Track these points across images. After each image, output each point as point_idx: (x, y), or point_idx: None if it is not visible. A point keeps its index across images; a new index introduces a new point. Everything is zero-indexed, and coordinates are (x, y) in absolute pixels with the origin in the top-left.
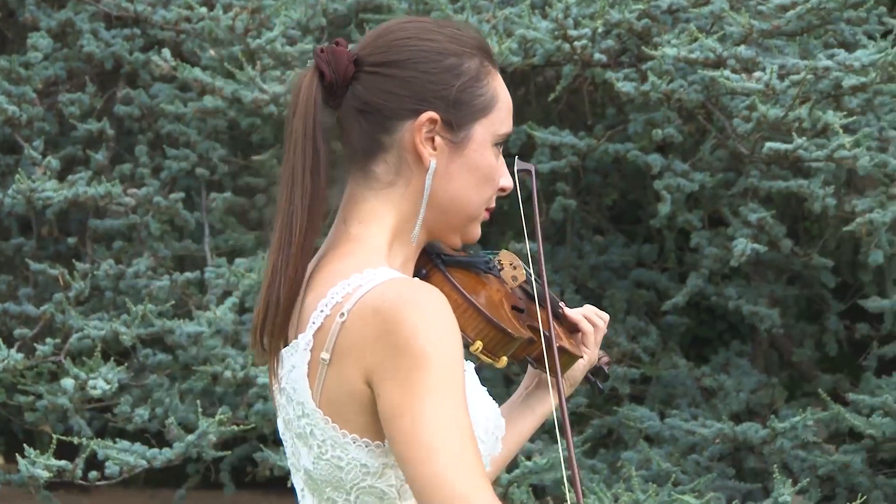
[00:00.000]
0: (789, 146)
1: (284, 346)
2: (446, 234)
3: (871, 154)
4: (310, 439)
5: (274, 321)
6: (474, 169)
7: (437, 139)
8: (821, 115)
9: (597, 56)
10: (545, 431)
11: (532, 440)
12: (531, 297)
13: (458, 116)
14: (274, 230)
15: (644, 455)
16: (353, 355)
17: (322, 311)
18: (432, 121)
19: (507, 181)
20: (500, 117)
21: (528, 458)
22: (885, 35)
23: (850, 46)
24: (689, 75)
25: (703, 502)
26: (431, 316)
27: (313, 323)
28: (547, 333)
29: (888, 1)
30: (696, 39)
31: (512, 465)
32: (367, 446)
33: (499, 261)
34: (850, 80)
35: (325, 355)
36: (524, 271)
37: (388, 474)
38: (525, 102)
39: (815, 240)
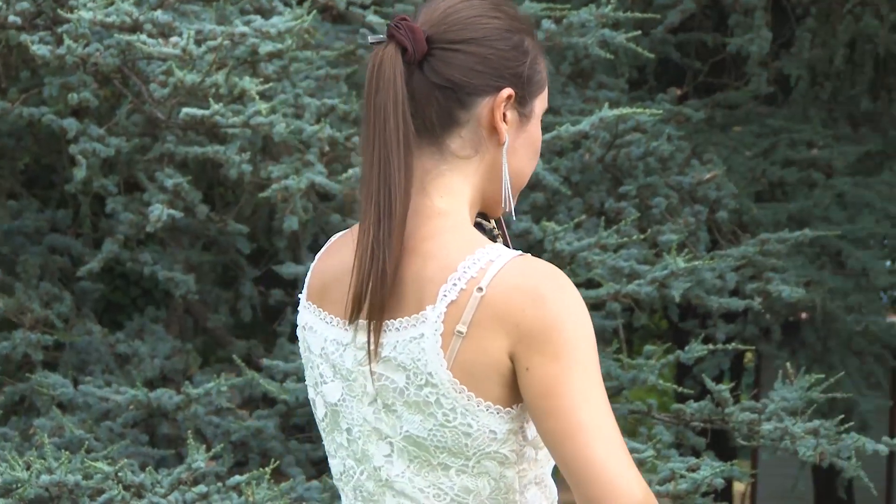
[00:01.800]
0: (206, 112)
1: (393, 317)
2: (496, 206)
3: (287, 121)
4: (432, 407)
5: (382, 292)
6: (533, 142)
7: (509, 114)
8: (237, 82)
9: (11, 18)
10: None
11: None
12: None
13: (527, 92)
14: (366, 203)
15: (57, 422)
16: (496, 329)
17: (455, 284)
18: (510, 97)
19: None
20: (547, 93)
21: None
22: (300, 2)
23: (266, 13)
24: (105, 39)
25: (115, 469)
26: (574, 297)
27: (445, 295)
28: None
29: None
30: (112, 3)
31: None
32: (497, 413)
33: None
34: (266, 47)
35: (462, 328)
36: None
37: (511, 440)
38: None
39: (230, 206)
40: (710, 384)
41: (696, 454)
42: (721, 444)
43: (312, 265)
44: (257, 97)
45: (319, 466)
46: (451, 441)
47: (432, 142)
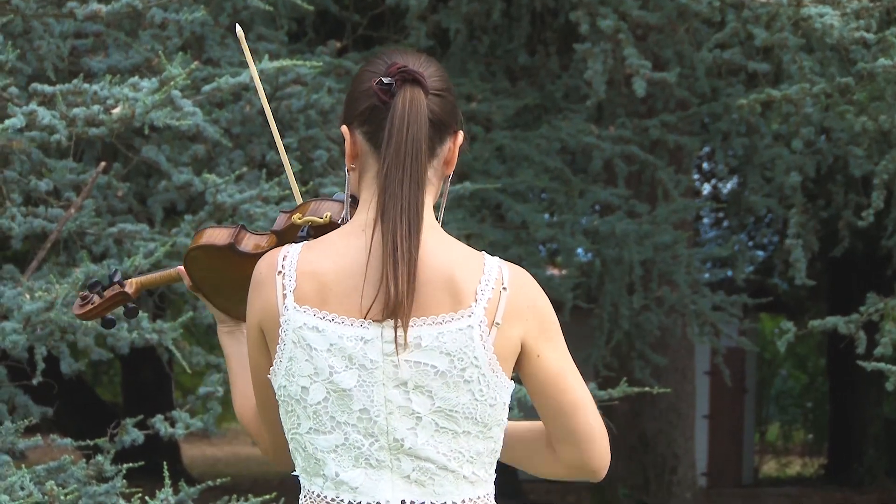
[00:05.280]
0: None
1: (433, 313)
2: None
3: None
4: (471, 385)
5: (412, 295)
6: None
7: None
8: None
9: None
10: None
11: None
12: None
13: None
14: (386, 218)
15: None
16: (515, 320)
17: (488, 285)
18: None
19: None
20: None
21: None
22: None
23: None
24: None
25: None
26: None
27: (482, 294)
28: None
29: None
30: None
31: None
32: (508, 388)
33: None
34: None
35: (500, 320)
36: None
37: (505, 409)
38: None
39: None
40: None
41: None
42: None
43: (290, 269)
44: None
45: None
46: (479, 412)
47: (429, 163)
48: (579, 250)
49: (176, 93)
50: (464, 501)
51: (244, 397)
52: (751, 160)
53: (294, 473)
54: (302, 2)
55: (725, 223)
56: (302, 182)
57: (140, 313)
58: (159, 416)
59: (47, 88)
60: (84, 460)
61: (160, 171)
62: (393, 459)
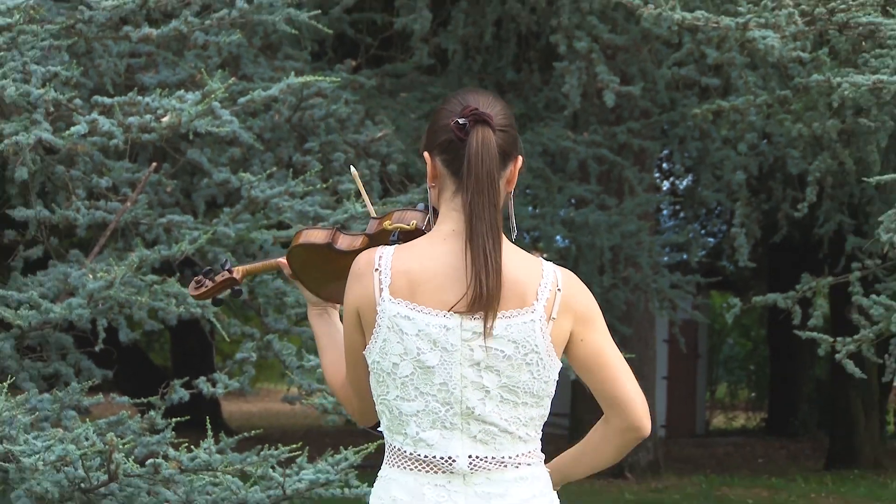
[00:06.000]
0: None
1: (503, 309)
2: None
3: (16, 85)
4: (532, 367)
5: (499, 292)
6: None
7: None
8: None
9: None
10: None
11: None
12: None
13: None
14: (475, 235)
15: None
16: (567, 314)
17: (546, 287)
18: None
19: None
20: None
21: None
22: None
23: None
24: None
25: None
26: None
27: (542, 294)
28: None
29: None
30: None
31: None
32: (558, 367)
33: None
34: None
35: (555, 315)
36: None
37: (555, 384)
38: None
39: None
40: None
41: None
42: None
43: (386, 267)
44: None
45: (50, 381)
46: (536, 388)
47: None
48: (558, 238)
49: (216, 104)
50: (517, 455)
51: (333, 367)
52: (703, 161)
53: (372, 429)
54: (322, 26)
55: (681, 214)
56: (323, 180)
57: (184, 289)
58: (202, 378)
59: (106, 100)
60: (139, 415)
61: (202, 171)
62: (464, 423)
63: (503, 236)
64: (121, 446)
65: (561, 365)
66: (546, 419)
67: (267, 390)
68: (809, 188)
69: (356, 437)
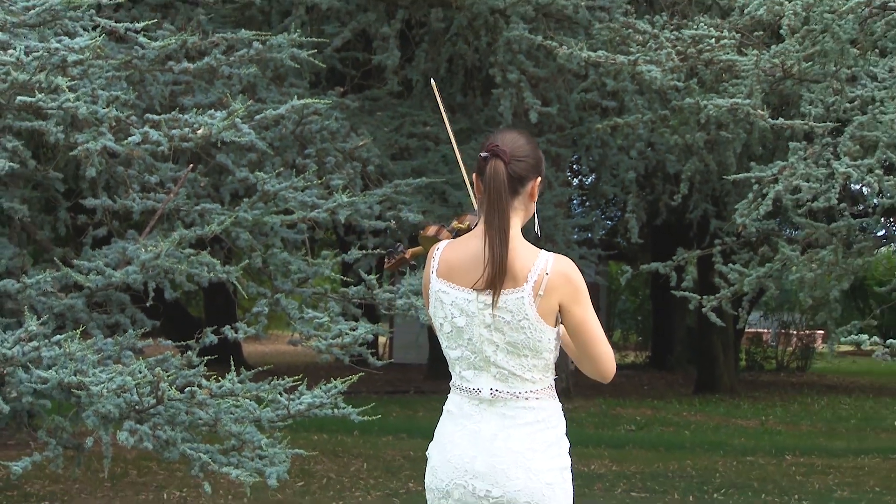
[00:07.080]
0: (33, 99)
1: (503, 288)
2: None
3: (87, 105)
4: (526, 331)
5: (503, 277)
6: (535, 198)
7: (537, 188)
8: (53, 80)
9: None
10: None
11: None
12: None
13: (541, 178)
14: (489, 231)
15: None
16: (552, 292)
17: (536, 272)
18: (540, 181)
19: None
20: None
21: None
22: (94, 28)
23: (71, 35)
24: None
25: None
26: (578, 271)
27: (531, 277)
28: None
29: (96, 4)
30: None
31: None
32: (550, 331)
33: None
34: (72, 57)
35: (542, 292)
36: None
37: (553, 342)
38: None
39: (50, 161)
40: (363, 275)
41: (356, 319)
42: (370, 313)
43: (437, 256)
44: (67, 90)
45: (112, 329)
46: (531, 345)
47: (511, 201)
48: None
49: (238, 120)
50: (526, 391)
51: None
52: (604, 163)
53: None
54: (318, 62)
55: (587, 203)
56: (318, 177)
57: (213, 259)
58: (227, 326)
59: (155, 117)
60: (179, 354)
61: (228, 170)
62: (486, 366)
63: (515, 234)
64: (165, 378)
65: (554, 329)
66: (551, 367)
67: (276, 335)
68: (683, 184)
69: (344, 371)
